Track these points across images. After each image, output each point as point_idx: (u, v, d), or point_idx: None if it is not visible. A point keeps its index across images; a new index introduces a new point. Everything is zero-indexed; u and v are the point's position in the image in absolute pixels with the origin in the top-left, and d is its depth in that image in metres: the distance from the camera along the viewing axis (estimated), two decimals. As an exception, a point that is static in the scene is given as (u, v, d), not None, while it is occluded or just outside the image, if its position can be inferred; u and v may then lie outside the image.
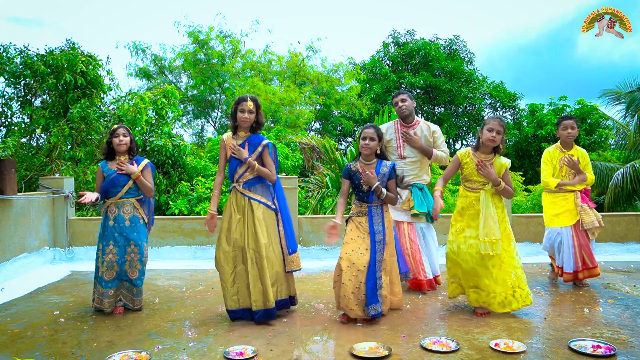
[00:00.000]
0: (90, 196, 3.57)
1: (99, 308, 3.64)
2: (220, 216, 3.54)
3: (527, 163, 16.82)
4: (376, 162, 3.43)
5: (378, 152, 3.45)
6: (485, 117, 3.60)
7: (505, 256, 3.46)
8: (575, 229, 4.26)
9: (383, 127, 4.30)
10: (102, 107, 7.94)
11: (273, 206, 3.50)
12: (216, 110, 16.47)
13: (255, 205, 3.42)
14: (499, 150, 3.50)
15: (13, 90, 7.68)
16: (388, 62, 19.68)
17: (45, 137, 7.86)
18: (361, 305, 3.31)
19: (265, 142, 3.49)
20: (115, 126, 3.73)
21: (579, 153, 4.35)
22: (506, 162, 3.50)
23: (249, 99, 3.44)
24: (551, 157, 4.39)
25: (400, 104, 4.23)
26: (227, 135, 3.56)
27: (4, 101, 7.63)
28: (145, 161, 3.74)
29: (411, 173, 4.21)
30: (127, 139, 3.68)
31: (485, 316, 3.49)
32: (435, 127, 4.31)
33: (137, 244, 3.64)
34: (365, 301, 3.30)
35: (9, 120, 7.75)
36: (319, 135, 15.22)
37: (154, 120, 8.00)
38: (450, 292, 3.71)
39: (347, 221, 3.50)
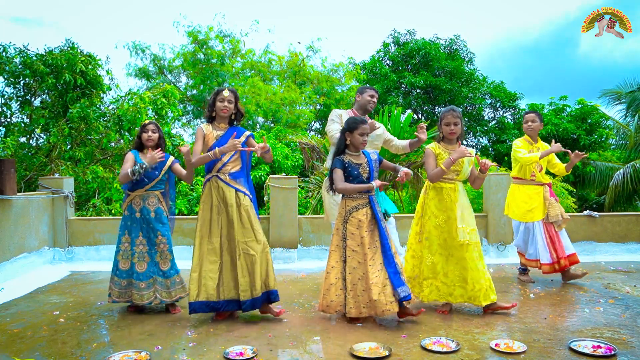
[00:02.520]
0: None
1: (120, 301, 3.69)
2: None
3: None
4: (362, 153, 3.46)
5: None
6: (449, 112, 3.62)
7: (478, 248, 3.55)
8: (543, 221, 4.43)
9: (339, 114, 4.09)
10: (101, 107, 7.93)
11: (249, 194, 3.56)
12: (216, 110, 16.44)
13: (242, 196, 3.49)
14: (460, 138, 3.63)
15: (13, 90, 7.67)
16: (388, 62, 19.66)
17: (44, 137, 7.86)
18: (386, 298, 3.24)
19: (248, 132, 3.61)
20: (146, 121, 3.83)
21: (543, 147, 4.53)
22: (473, 150, 3.62)
23: (227, 89, 3.54)
24: (522, 144, 4.55)
25: (370, 99, 4.08)
26: (205, 125, 3.59)
27: (3, 101, 7.63)
28: (172, 158, 3.85)
29: None
30: (156, 135, 3.76)
31: (444, 313, 3.53)
32: (380, 124, 4.22)
33: (164, 235, 3.70)
34: (392, 286, 3.25)
35: (9, 120, 7.75)
36: (319, 135, 15.20)
37: (153, 120, 7.99)
38: (427, 295, 3.59)
39: (345, 222, 3.38)
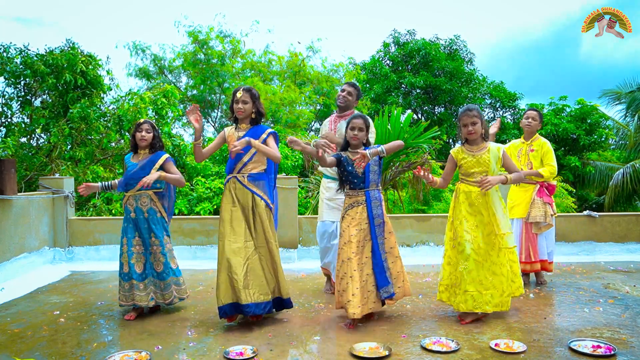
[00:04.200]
0: (87, 189, 3.63)
1: (125, 305, 3.57)
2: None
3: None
4: (362, 149, 3.40)
5: (364, 141, 3.43)
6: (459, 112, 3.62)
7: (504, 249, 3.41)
8: (523, 220, 4.34)
9: (325, 121, 4.27)
10: (102, 107, 7.94)
11: (271, 205, 3.47)
12: (216, 110, 16.47)
13: (258, 200, 3.39)
14: (486, 137, 3.45)
15: (13, 90, 7.68)
16: (388, 62, 19.68)
17: (45, 137, 7.87)
18: (370, 298, 3.29)
19: (269, 130, 3.48)
20: (142, 120, 3.73)
21: (538, 143, 4.36)
22: (500, 145, 3.46)
23: (241, 89, 3.44)
24: (511, 149, 4.48)
25: (340, 93, 4.20)
26: (229, 128, 3.56)
27: (4, 101, 7.64)
28: (165, 156, 3.68)
29: None
30: (150, 135, 3.66)
31: (477, 321, 3.38)
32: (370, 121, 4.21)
33: (157, 237, 3.61)
34: (376, 287, 3.33)
35: (9, 120, 7.76)
36: (319, 135, 15.19)
37: (153, 120, 8.00)
38: (459, 303, 3.34)
39: (342, 218, 3.42)
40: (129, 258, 3.60)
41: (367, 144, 3.47)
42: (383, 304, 3.51)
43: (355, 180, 3.37)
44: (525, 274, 4.38)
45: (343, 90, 4.17)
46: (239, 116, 3.46)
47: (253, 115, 3.49)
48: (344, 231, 3.36)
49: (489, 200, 3.40)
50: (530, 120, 4.40)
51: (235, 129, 3.51)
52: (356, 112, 3.50)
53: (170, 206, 3.85)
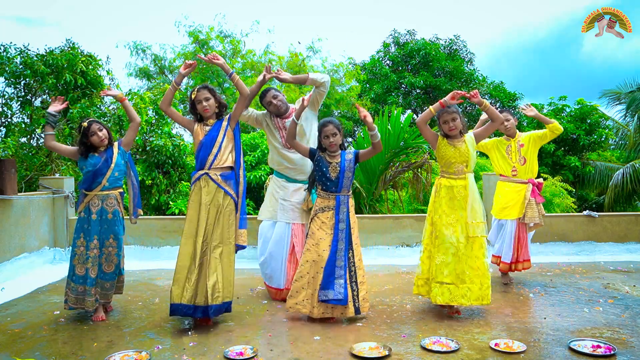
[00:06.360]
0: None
1: (77, 308, 3.50)
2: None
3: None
4: (339, 153, 3.47)
5: (341, 143, 3.50)
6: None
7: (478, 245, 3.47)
8: (518, 220, 4.33)
9: (258, 115, 4.00)
10: (102, 107, 7.94)
11: (235, 198, 3.44)
12: (216, 110, 16.46)
13: (227, 198, 3.39)
14: (463, 131, 3.55)
15: (13, 90, 7.67)
16: (388, 62, 19.68)
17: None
18: (314, 298, 3.34)
19: (227, 116, 3.49)
20: (86, 123, 3.51)
21: (525, 138, 4.39)
22: (469, 133, 3.59)
23: (196, 90, 3.42)
24: (495, 144, 4.49)
25: (274, 101, 3.85)
26: (198, 123, 3.50)
27: (4, 101, 7.63)
28: (116, 143, 3.68)
29: (299, 167, 3.91)
30: (104, 131, 3.55)
31: (457, 315, 3.50)
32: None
33: (117, 238, 3.55)
34: (320, 287, 3.31)
35: (9, 120, 7.75)
36: (319, 135, 15.16)
37: (154, 120, 8.00)
38: (435, 297, 3.45)
39: (311, 220, 3.50)
40: (85, 262, 3.48)
41: (342, 147, 3.51)
42: (357, 312, 3.40)
43: (329, 183, 3.43)
44: (504, 273, 4.46)
45: (275, 97, 3.85)
46: (207, 114, 3.42)
47: (217, 110, 3.48)
48: (313, 233, 3.41)
49: (468, 192, 3.47)
50: (504, 124, 4.28)
51: (203, 125, 3.45)
52: (323, 119, 3.48)
53: (136, 202, 3.78)
